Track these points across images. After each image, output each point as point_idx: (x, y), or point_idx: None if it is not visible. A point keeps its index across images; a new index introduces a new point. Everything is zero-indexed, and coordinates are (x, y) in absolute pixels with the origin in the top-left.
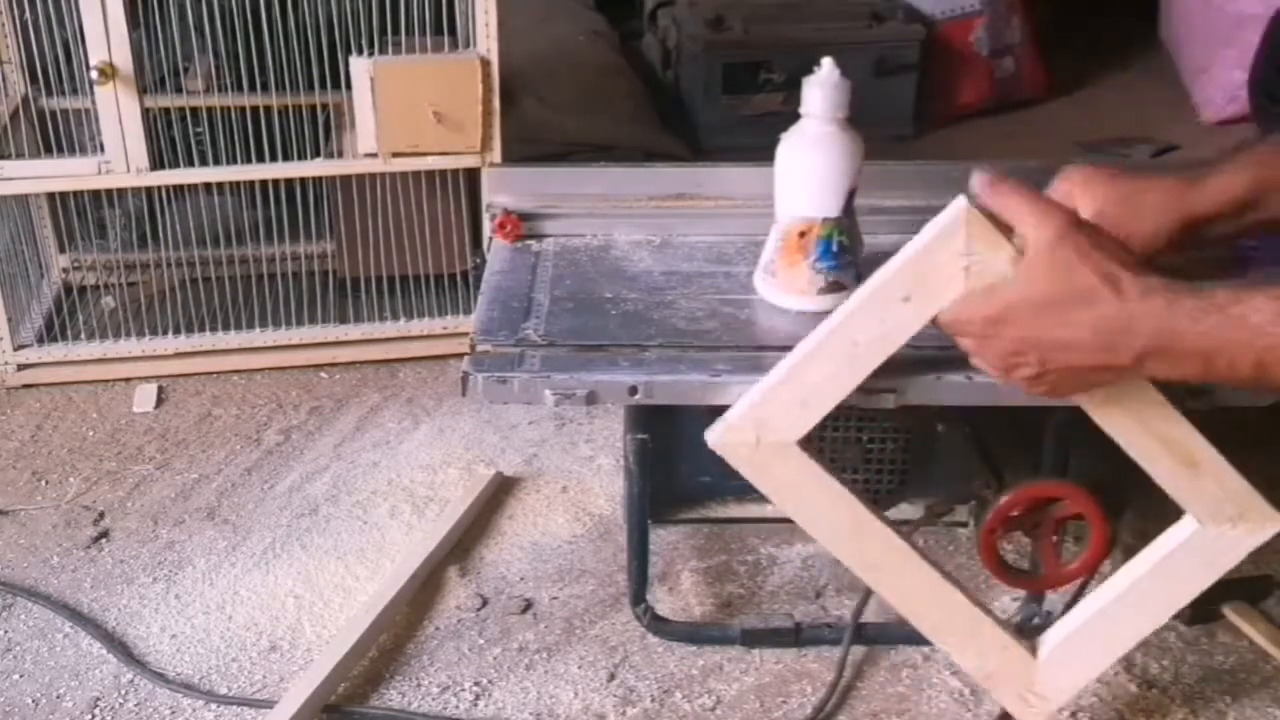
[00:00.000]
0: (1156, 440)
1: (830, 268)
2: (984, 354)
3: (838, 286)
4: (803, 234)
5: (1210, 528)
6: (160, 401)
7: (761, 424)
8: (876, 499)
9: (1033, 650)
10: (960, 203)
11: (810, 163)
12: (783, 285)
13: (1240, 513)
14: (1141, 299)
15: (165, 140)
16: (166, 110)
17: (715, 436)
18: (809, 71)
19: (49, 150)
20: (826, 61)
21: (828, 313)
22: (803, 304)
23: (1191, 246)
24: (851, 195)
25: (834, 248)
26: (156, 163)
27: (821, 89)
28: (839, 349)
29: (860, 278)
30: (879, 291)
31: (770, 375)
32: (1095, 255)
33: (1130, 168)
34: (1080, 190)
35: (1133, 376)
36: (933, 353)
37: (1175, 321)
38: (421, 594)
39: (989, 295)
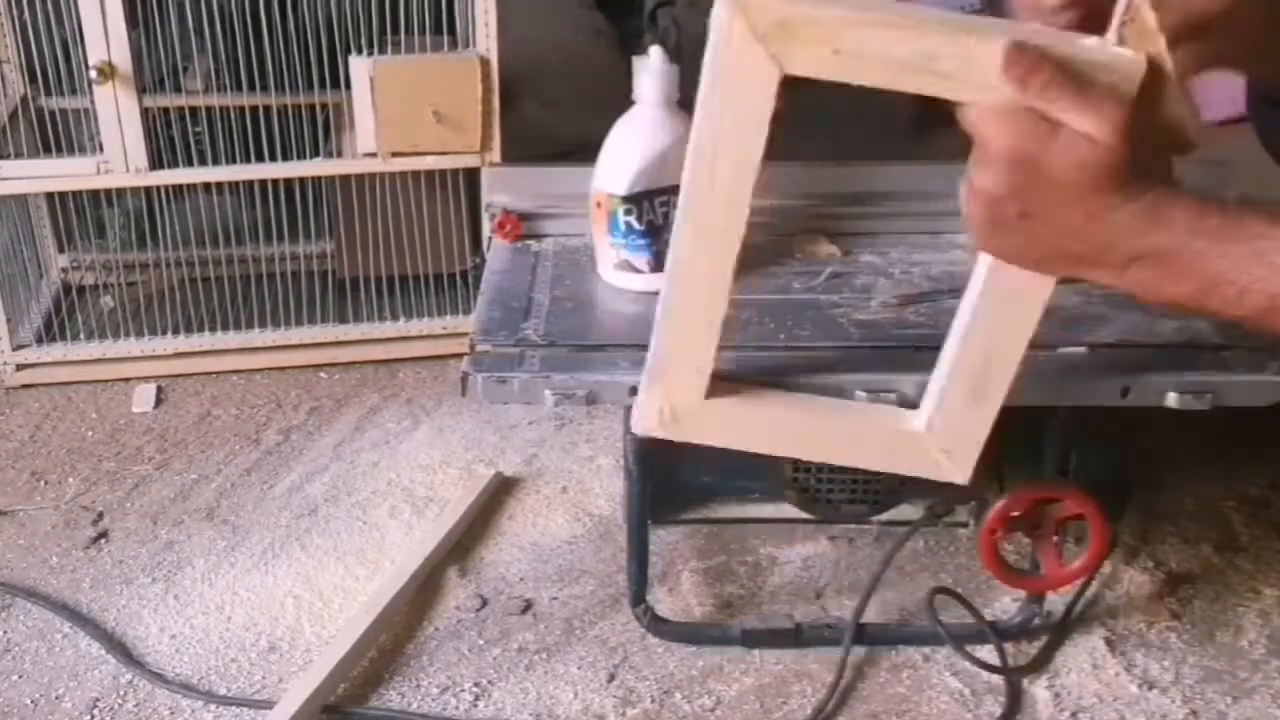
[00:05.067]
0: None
1: (620, 245)
2: (978, 176)
3: (628, 266)
4: (599, 204)
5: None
6: (159, 402)
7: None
8: (877, 499)
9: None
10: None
11: (615, 138)
12: (599, 256)
13: (950, 455)
14: (1168, 205)
15: (164, 140)
16: (165, 110)
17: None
18: None
19: (48, 150)
20: (655, 50)
21: (620, 290)
22: (606, 275)
23: None
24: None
25: (621, 225)
26: (155, 162)
27: (650, 75)
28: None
29: (660, 265)
30: None
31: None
32: (1142, 156)
33: None
34: None
35: (1107, 275)
36: (933, 353)
37: (1193, 236)
38: (421, 594)
39: (1037, 130)
